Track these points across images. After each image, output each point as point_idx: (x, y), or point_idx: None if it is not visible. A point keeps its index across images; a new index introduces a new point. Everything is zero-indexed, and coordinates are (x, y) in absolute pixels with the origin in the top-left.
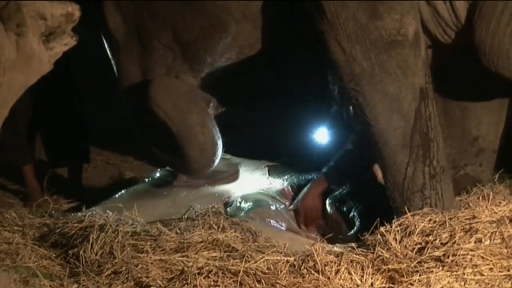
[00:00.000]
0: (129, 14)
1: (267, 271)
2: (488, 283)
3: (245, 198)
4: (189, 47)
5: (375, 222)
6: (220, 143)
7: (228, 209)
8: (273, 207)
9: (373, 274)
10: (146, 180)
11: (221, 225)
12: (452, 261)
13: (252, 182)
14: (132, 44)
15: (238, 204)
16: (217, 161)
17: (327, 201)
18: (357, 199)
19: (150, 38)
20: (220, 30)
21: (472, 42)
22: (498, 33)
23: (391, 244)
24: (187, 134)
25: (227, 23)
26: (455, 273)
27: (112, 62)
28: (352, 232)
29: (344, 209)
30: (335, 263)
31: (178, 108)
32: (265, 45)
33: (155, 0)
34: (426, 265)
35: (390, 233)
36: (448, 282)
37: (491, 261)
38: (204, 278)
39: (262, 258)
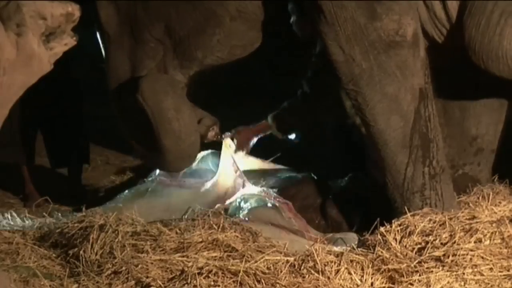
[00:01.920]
0: (123, 6)
1: (267, 271)
2: (488, 283)
3: (245, 198)
4: (181, 41)
5: (375, 222)
6: (197, 137)
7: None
8: (273, 207)
9: (373, 274)
10: (145, 180)
11: (221, 225)
12: (452, 261)
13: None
14: (124, 37)
15: (238, 204)
16: (194, 156)
17: (327, 200)
18: (358, 198)
19: (142, 30)
20: (214, 24)
21: (462, 40)
22: (488, 32)
23: (391, 244)
24: (161, 118)
25: (222, 18)
26: (455, 273)
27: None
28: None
29: (344, 208)
30: (335, 263)
31: (153, 90)
32: (258, 48)
33: None
34: (426, 265)
35: (390, 233)
36: (448, 282)
37: (491, 261)
38: (204, 278)
39: (262, 258)
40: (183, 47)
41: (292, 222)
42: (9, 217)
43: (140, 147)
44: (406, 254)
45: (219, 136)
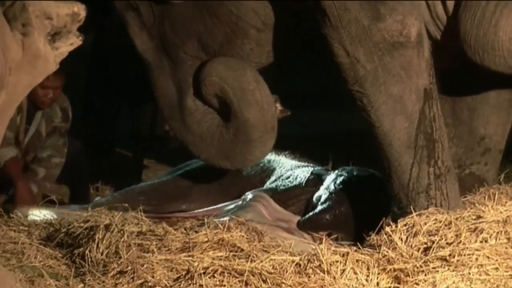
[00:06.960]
0: (154, 30)
1: (272, 271)
2: (494, 283)
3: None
4: (217, 54)
5: (381, 222)
6: (275, 109)
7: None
8: (251, 208)
9: (378, 273)
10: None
11: (226, 225)
12: (457, 260)
13: None
14: (163, 61)
15: (241, 204)
16: (276, 129)
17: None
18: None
19: (176, 51)
20: (241, 36)
21: (457, 35)
22: (483, 24)
23: (397, 244)
24: (244, 92)
25: (246, 29)
26: (460, 272)
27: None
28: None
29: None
30: (340, 262)
31: (230, 67)
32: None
33: (175, 12)
34: (431, 265)
35: (395, 233)
36: (454, 282)
37: (496, 260)
38: (209, 277)
39: (267, 257)
40: None
41: (277, 215)
42: (15, 216)
43: (212, 152)
44: (412, 254)
45: (286, 113)
